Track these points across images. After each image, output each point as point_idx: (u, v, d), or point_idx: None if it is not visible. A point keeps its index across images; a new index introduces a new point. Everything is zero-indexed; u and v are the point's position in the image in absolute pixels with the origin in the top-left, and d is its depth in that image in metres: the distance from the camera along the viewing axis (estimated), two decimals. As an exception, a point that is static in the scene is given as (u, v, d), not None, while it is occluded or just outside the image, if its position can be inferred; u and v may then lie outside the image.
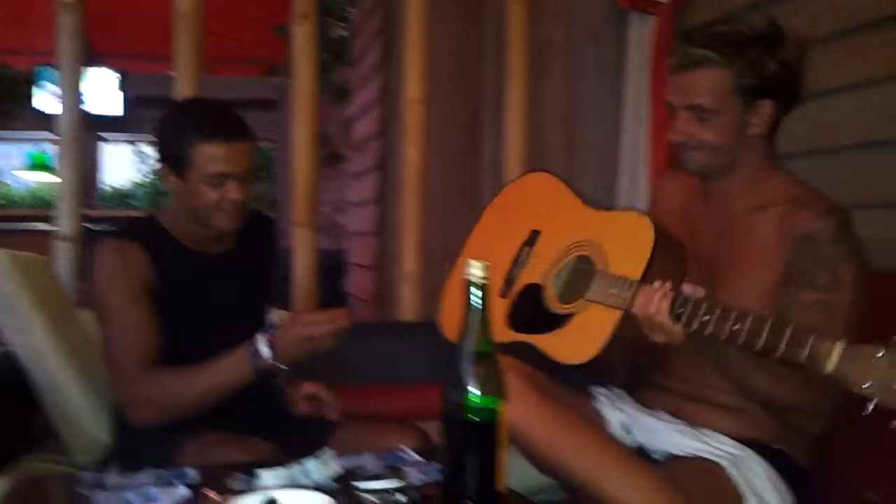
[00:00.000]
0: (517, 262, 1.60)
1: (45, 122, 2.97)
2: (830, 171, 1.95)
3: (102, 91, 8.98)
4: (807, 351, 1.12)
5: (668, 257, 1.38)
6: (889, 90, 1.82)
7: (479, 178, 3.85)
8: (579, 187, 1.64)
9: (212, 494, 1.17)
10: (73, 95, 2.45)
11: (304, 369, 1.58)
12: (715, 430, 1.40)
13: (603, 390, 1.58)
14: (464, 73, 3.81)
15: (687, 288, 1.26)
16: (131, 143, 13.56)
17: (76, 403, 1.77)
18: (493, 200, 1.81)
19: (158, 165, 1.64)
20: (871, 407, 1.06)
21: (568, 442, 1.28)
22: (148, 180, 14.67)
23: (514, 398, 1.16)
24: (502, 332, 1.47)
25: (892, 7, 1.80)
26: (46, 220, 2.71)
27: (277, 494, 0.96)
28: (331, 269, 4.64)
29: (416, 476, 1.31)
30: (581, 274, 1.47)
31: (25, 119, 8.00)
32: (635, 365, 1.51)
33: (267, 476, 1.26)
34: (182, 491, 1.23)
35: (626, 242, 1.42)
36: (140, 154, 14.33)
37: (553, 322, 1.45)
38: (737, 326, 1.19)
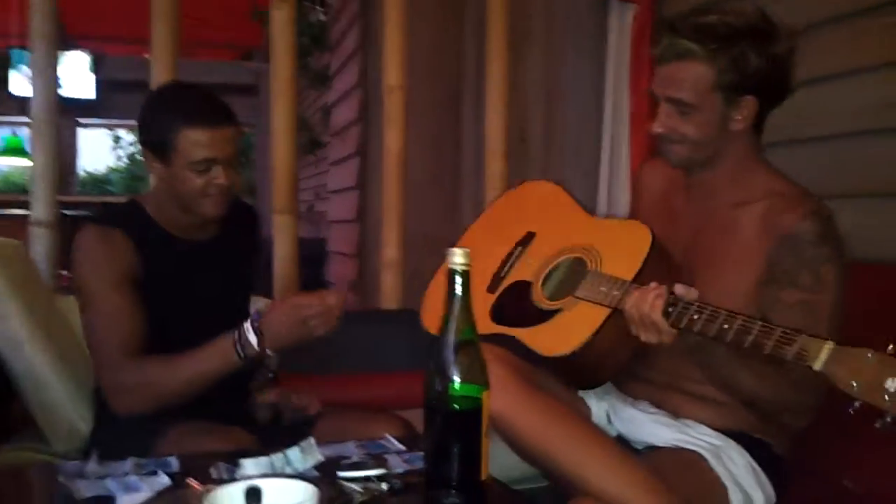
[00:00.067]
0: (508, 261, 1.59)
1: (21, 105, 2.92)
2: (815, 160, 1.97)
3: (75, 74, 8.84)
4: (795, 349, 1.12)
5: (663, 266, 1.37)
6: (885, 77, 1.81)
7: (459, 165, 3.85)
8: (581, 198, 1.64)
9: (193, 483, 1.16)
10: (45, 78, 2.41)
11: (288, 359, 1.57)
12: (696, 420, 1.41)
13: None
14: (444, 59, 3.80)
15: (680, 289, 1.25)
16: (108, 127, 13.39)
17: (54, 391, 1.76)
18: (491, 205, 1.80)
19: (141, 151, 1.61)
20: (856, 405, 1.07)
21: (552, 432, 1.28)
22: (124, 165, 14.52)
23: (499, 387, 1.16)
24: (484, 325, 1.45)
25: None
26: (22, 205, 2.67)
27: (259, 483, 0.95)
28: (311, 257, 4.62)
29: (398, 464, 1.30)
30: (573, 274, 1.46)
31: (2, 103, 7.86)
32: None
33: (249, 465, 1.25)
34: (163, 480, 1.22)
35: (622, 247, 1.42)
36: (116, 139, 14.17)
37: (538, 318, 1.45)
38: (726, 325, 1.19)
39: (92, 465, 1.28)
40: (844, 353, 1.08)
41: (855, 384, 1.06)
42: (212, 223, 1.66)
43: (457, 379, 1.06)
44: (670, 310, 1.24)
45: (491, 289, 1.57)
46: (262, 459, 1.27)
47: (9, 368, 1.74)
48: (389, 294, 2.69)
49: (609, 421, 1.50)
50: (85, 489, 1.20)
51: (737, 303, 1.26)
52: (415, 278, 2.68)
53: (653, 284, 1.27)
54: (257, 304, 1.77)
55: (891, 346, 1.05)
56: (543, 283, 1.51)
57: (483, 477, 1.08)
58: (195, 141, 1.51)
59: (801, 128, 1.90)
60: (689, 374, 1.41)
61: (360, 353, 2.27)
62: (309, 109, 6.32)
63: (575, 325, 1.37)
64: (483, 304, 1.52)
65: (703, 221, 1.46)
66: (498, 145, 2.77)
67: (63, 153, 4.49)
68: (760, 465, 1.38)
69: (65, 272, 2.44)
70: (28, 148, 3.13)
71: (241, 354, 1.47)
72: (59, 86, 2.49)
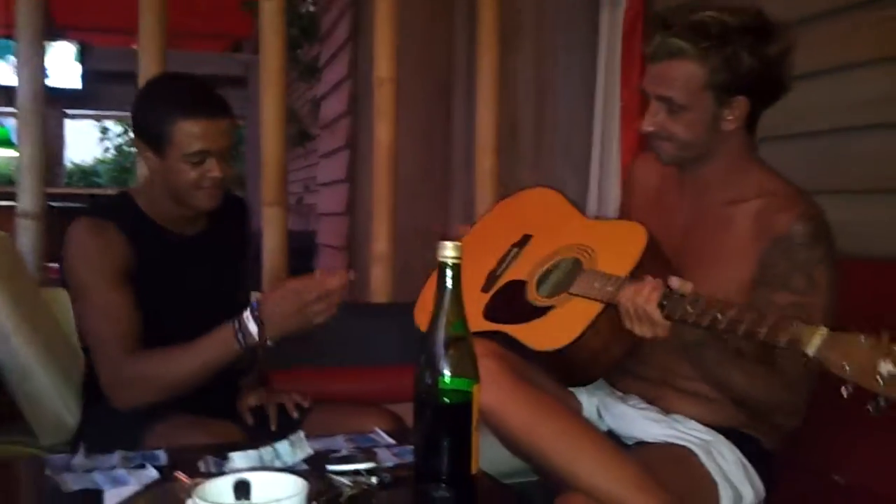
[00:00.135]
0: (504, 262, 1.59)
1: (8, 96, 2.90)
2: (807, 155, 1.97)
3: (62, 64, 8.78)
4: (788, 336, 1.12)
5: (658, 263, 1.37)
6: (878, 72, 1.81)
7: (450, 159, 3.84)
8: (571, 193, 1.64)
9: (182, 477, 1.16)
10: (32, 68, 2.39)
11: (278, 352, 1.55)
12: (687, 416, 1.41)
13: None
14: (434, 52, 3.79)
15: (675, 282, 1.24)
16: (95, 119, 13.30)
17: (40, 383, 1.74)
18: (489, 211, 1.79)
19: (135, 142, 1.60)
20: (849, 389, 1.06)
21: (543, 427, 1.27)
22: (111, 157, 14.43)
23: (490, 382, 1.16)
24: (478, 323, 1.45)
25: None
26: (9, 196, 2.65)
27: (248, 477, 0.95)
28: (300, 250, 4.61)
29: (388, 458, 1.30)
30: (568, 274, 1.46)
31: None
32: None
33: (238, 458, 1.25)
34: (151, 473, 1.21)
35: (617, 246, 1.41)
36: (104, 130, 14.07)
37: (532, 315, 1.44)
38: (720, 315, 1.18)
39: (79, 459, 1.27)
40: (837, 339, 1.08)
41: (848, 368, 1.06)
42: (202, 216, 1.65)
43: (447, 372, 1.06)
44: (665, 302, 1.24)
45: (485, 288, 1.57)
46: (251, 453, 1.26)
47: (-6, 361, 1.73)
48: (379, 288, 2.69)
49: (599, 416, 1.50)
50: (72, 482, 1.19)
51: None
52: (405, 272, 2.68)
53: (648, 278, 1.27)
54: (259, 295, 1.76)
55: (885, 332, 1.05)
56: (540, 283, 1.50)
57: (473, 471, 1.08)
58: (190, 132, 1.49)
59: (793, 123, 1.90)
60: (680, 370, 1.41)
61: (349, 346, 2.27)
62: (298, 101, 6.30)
63: (568, 320, 1.37)
64: (477, 303, 1.52)
65: (696, 218, 1.46)
66: (488, 140, 2.77)
67: (50, 144, 4.46)
68: (750, 460, 1.38)
69: (52, 264, 2.42)
70: (14, 139, 3.10)
71: (242, 343, 1.45)
72: (45, 76, 2.48)
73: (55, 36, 7.92)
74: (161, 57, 2.39)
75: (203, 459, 1.26)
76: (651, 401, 1.46)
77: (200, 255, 1.65)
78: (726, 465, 1.35)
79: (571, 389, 1.52)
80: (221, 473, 1.16)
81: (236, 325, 1.45)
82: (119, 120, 13.16)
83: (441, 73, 3.82)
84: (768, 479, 1.40)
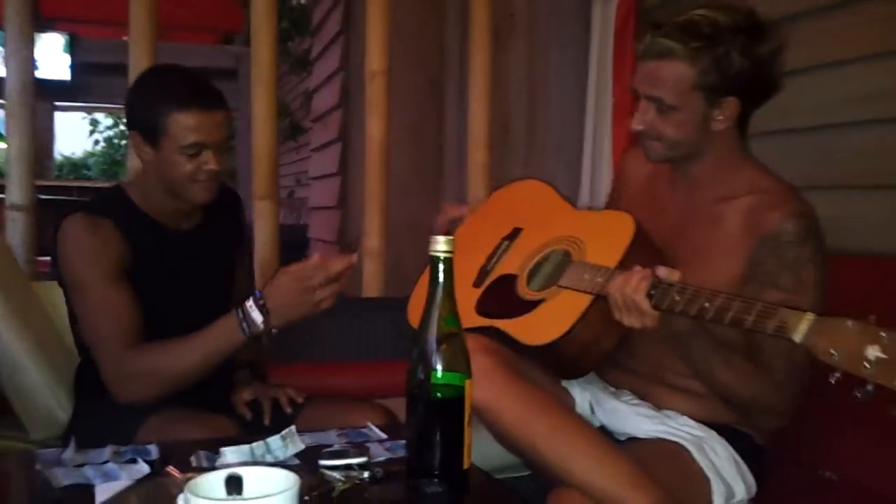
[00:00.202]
0: (494, 256, 1.59)
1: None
2: (799, 151, 1.97)
3: (51, 56, 8.71)
4: (775, 322, 1.12)
5: (646, 252, 1.37)
6: (870, 68, 1.82)
7: (442, 154, 3.84)
8: (564, 189, 1.63)
9: (173, 471, 1.16)
10: (20, 59, 2.38)
11: (275, 345, 1.54)
12: (679, 412, 1.41)
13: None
14: (426, 47, 3.78)
15: (662, 271, 1.24)
16: (86, 111, 13.20)
17: (31, 377, 1.74)
18: (480, 205, 1.79)
19: (129, 134, 1.58)
20: (836, 376, 1.06)
21: (537, 422, 1.28)
22: (101, 150, 14.34)
23: (483, 378, 1.16)
24: (470, 319, 1.44)
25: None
26: (-2, 188, 2.64)
27: (240, 472, 0.94)
28: (292, 244, 4.59)
29: (380, 453, 1.30)
30: (558, 266, 1.46)
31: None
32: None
33: (229, 453, 1.25)
34: (142, 468, 1.21)
35: (605, 236, 1.41)
36: (94, 123, 13.98)
37: (523, 309, 1.44)
38: (707, 303, 1.19)
39: (70, 453, 1.27)
40: (824, 324, 1.08)
41: (835, 354, 1.05)
42: (196, 210, 1.64)
43: (439, 367, 1.06)
44: (653, 292, 1.24)
45: (477, 283, 1.57)
46: (243, 448, 1.26)
47: (-16, 355, 1.72)
48: (371, 283, 2.68)
49: (592, 411, 1.51)
50: (63, 477, 1.18)
51: None
52: (397, 267, 2.68)
53: (637, 268, 1.27)
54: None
55: (872, 317, 1.05)
56: (531, 277, 1.50)
57: (466, 466, 1.08)
58: (186, 125, 1.48)
59: (786, 119, 1.91)
60: (671, 366, 1.41)
61: (341, 341, 2.27)
62: (290, 94, 6.27)
63: (558, 314, 1.37)
64: (469, 298, 1.52)
65: (686, 213, 1.46)
66: (481, 136, 2.76)
67: (39, 136, 4.42)
68: (742, 456, 1.39)
69: (42, 258, 2.40)
70: (3, 131, 3.09)
71: (247, 332, 1.44)
72: (34, 67, 2.46)
73: (44, 27, 7.86)
74: (151, 49, 2.37)
75: (195, 454, 1.26)
76: (643, 396, 1.47)
77: (195, 249, 1.64)
78: (718, 461, 1.35)
79: (564, 384, 1.53)
80: (213, 468, 1.16)
81: (240, 315, 1.44)
82: (109, 112, 13.08)
83: (432, 68, 3.81)
84: (760, 474, 1.40)
